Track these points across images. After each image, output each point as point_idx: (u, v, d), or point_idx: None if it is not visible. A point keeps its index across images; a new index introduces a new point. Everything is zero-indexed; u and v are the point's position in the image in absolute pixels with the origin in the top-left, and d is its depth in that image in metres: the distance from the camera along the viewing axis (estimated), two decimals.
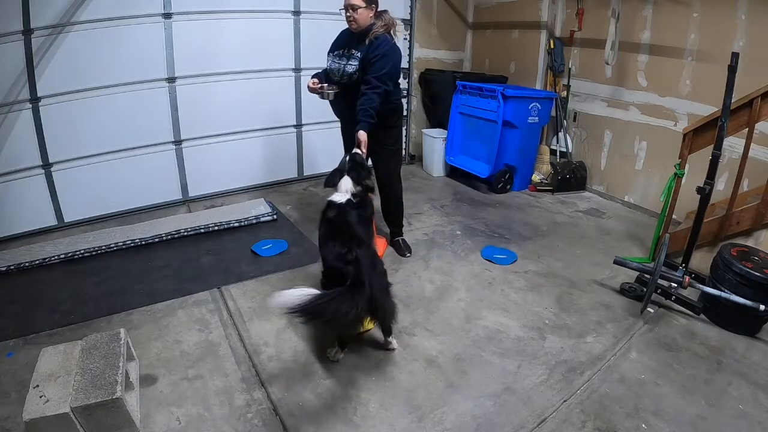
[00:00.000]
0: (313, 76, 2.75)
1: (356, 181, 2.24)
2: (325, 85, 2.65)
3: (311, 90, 2.68)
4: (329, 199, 2.21)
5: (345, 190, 2.21)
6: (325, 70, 2.75)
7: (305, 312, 1.57)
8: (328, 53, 2.70)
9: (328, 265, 1.98)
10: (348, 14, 2.47)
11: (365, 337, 2.22)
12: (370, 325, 2.29)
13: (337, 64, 2.61)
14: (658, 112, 3.70)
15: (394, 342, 2.15)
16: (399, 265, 2.91)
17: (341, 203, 2.16)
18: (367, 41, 2.50)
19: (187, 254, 2.98)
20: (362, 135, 2.45)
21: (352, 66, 2.53)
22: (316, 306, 1.59)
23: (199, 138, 3.79)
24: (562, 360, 2.10)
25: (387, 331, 2.10)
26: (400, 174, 2.98)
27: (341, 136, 3.00)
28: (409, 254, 3.01)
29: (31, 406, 1.52)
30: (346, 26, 2.60)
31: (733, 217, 2.61)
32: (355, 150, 2.42)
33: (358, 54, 2.52)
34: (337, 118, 2.98)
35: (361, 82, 2.51)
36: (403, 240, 3.10)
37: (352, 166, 2.30)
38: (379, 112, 2.53)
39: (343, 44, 2.63)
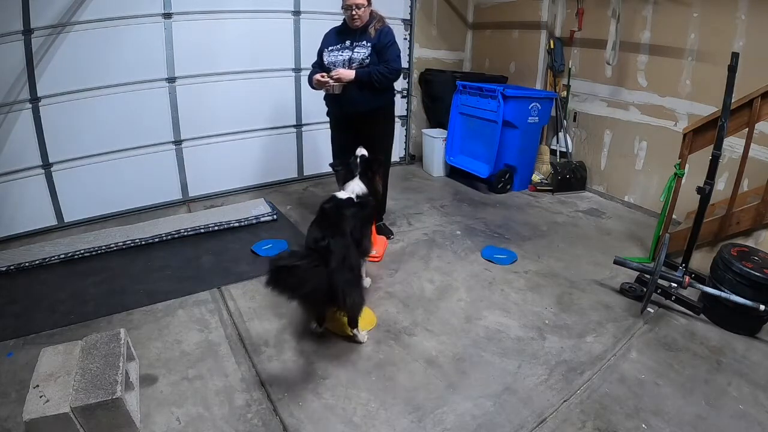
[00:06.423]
0: (312, 74, 2.82)
1: (366, 185, 2.35)
2: (330, 80, 2.68)
3: (319, 83, 2.72)
4: (333, 194, 2.29)
5: (351, 191, 2.30)
6: (318, 67, 2.86)
7: (270, 273, 1.65)
8: (323, 51, 2.85)
9: (305, 246, 2.04)
10: (353, 13, 2.67)
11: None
12: (372, 325, 2.30)
13: (339, 56, 2.76)
14: (658, 112, 3.70)
15: (360, 335, 2.13)
16: (399, 265, 2.91)
17: (341, 199, 2.24)
18: (372, 32, 2.73)
19: (187, 254, 2.98)
20: (351, 73, 2.65)
21: (362, 53, 2.71)
22: (276, 270, 1.65)
23: (199, 138, 3.79)
24: (562, 360, 2.10)
25: (350, 322, 2.10)
26: None
27: (332, 136, 3.12)
28: (392, 236, 3.25)
29: (31, 406, 1.52)
30: (334, 26, 2.85)
31: (733, 217, 2.61)
32: (362, 151, 2.51)
33: (367, 42, 2.72)
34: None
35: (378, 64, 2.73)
36: (384, 224, 3.35)
37: (364, 170, 2.41)
38: (381, 106, 2.87)
39: (337, 40, 2.81)
